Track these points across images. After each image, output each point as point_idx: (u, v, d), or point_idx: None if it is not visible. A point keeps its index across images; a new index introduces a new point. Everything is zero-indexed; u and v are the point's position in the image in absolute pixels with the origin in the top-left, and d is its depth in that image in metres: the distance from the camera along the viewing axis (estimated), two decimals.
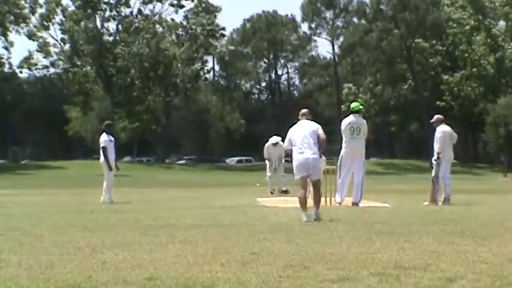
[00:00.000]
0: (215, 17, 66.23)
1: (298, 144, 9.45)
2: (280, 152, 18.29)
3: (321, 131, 9.58)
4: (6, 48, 62.48)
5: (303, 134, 9.52)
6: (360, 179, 13.00)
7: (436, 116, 14.03)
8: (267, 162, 18.99)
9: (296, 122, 9.98)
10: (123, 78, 63.28)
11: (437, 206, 12.90)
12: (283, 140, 18.83)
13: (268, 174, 18.78)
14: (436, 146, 13.48)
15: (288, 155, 9.83)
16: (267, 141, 18.92)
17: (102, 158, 14.92)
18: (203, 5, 65.71)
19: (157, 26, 65.51)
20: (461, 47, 64.29)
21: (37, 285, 4.58)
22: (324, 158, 15.43)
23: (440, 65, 68.52)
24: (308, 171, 9.34)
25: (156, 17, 66.06)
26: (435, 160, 13.55)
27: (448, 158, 13.65)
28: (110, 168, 14.80)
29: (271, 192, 18.21)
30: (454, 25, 63.82)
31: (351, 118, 13.05)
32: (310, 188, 9.91)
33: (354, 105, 13.56)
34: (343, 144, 13.14)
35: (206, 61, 72.59)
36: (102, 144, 14.86)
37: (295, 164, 9.50)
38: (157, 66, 62.15)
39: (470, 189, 21.64)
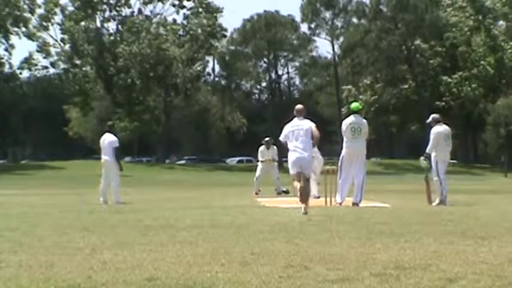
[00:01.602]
0: (216, 18, 66.21)
1: (293, 143, 10.53)
2: (273, 155, 19.73)
3: (315, 129, 10.62)
4: (6, 50, 62.53)
5: (298, 134, 10.55)
6: (360, 180, 12.99)
7: (431, 116, 13.95)
8: (258, 163, 19.89)
9: (292, 119, 10.83)
10: (123, 78, 63.25)
11: (437, 206, 12.91)
12: (274, 144, 19.80)
13: (257, 175, 19.39)
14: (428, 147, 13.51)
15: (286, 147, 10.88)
16: (262, 144, 19.89)
17: (113, 158, 14.93)
18: (204, 5, 65.71)
19: (157, 26, 65.49)
20: (461, 48, 64.30)
21: (37, 285, 4.57)
22: (321, 158, 15.71)
23: (441, 65, 68.43)
24: (301, 168, 10.47)
25: (157, 18, 66.10)
26: (424, 160, 13.58)
27: (444, 159, 13.61)
28: (121, 169, 15.00)
29: (256, 193, 18.44)
30: (453, 29, 63.83)
31: (351, 118, 13.05)
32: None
33: (353, 105, 13.53)
34: (344, 145, 13.14)
35: (207, 61, 72.71)
36: (116, 145, 14.93)
37: (290, 161, 10.63)
38: (157, 66, 62.14)
39: (470, 190, 21.64)
